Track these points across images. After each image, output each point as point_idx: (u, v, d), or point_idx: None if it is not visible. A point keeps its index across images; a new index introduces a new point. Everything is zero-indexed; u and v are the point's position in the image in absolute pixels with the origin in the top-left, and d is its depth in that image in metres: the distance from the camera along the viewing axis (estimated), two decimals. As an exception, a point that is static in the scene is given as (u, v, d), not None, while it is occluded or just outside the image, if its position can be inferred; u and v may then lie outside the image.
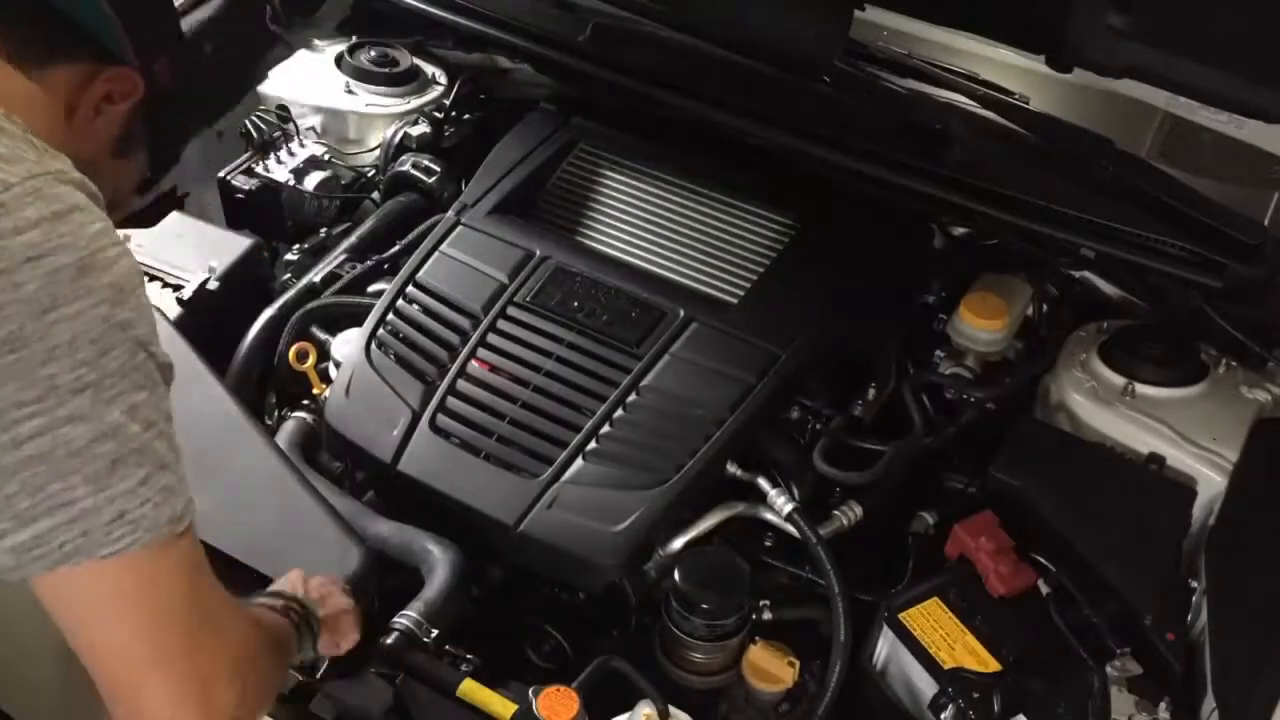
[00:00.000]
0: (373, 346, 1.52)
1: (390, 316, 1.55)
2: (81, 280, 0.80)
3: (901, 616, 1.28)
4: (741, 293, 1.59)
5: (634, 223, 1.70)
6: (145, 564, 0.83)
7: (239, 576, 1.23)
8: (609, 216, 1.71)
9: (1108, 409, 1.52)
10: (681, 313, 1.53)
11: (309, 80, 1.95)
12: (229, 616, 0.93)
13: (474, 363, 1.48)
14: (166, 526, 0.84)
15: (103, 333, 0.81)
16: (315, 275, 1.71)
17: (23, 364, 0.78)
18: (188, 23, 1.18)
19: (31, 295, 0.78)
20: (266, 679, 0.98)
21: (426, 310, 1.55)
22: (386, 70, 1.98)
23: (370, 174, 1.93)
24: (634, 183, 1.75)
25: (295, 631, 1.10)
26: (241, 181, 1.82)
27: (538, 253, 1.60)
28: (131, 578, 0.84)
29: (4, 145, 0.84)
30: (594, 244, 1.67)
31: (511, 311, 1.53)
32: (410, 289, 1.58)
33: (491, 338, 1.51)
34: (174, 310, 1.61)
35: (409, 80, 2.00)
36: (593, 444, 1.40)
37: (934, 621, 1.28)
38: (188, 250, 1.68)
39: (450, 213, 1.69)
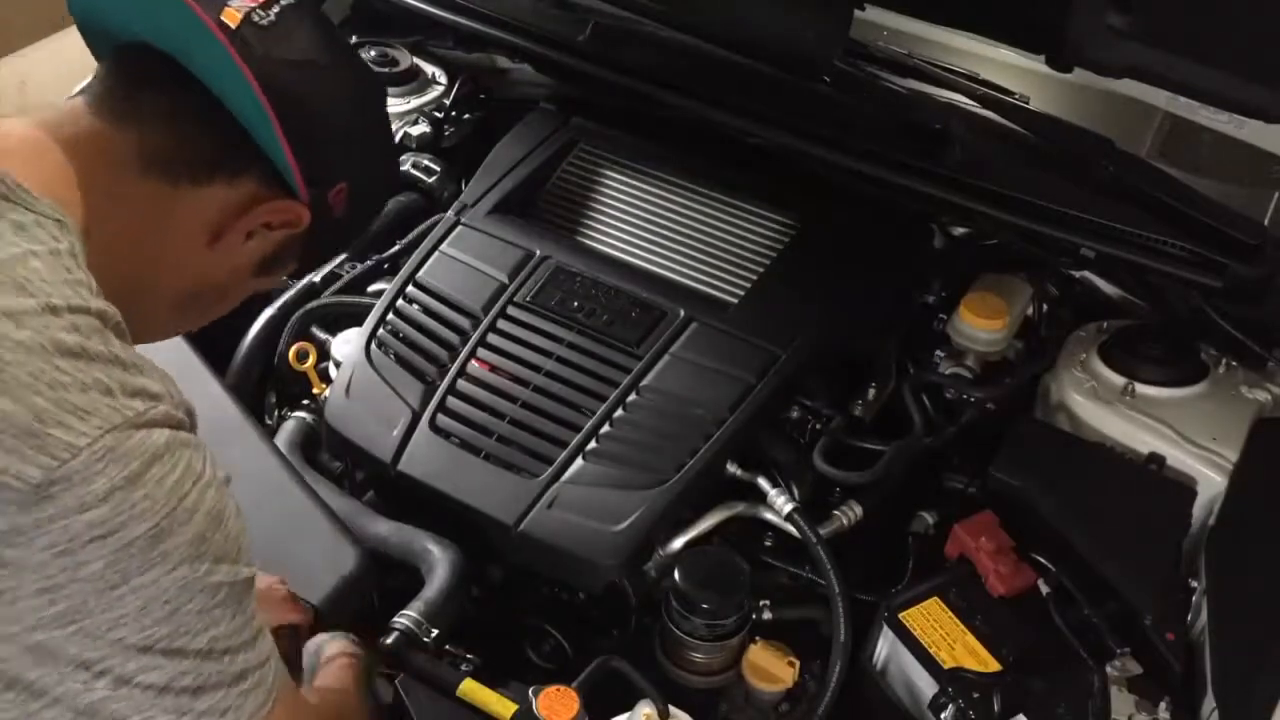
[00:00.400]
0: (373, 346, 1.52)
1: (390, 316, 1.55)
2: (156, 548, 0.75)
3: (901, 616, 1.28)
4: (741, 293, 1.59)
5: (634, 222, 1.70)
6: None
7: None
8: (609, 216, 1.71)
9: (1108, 409, 1.52)
10: (682, 312, 1.53)
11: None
12: None
13: (474, 363, 1.49)
14: (254, 716, 0.84)
15: (179, 591, 0.77)
16: (315, 275, 1.71)
17: (84, 633, 0.74)
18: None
19: (97, 574, 0.73)
20: None
21: (426, 310, 1.55)
22: (386, 70, 1.98)
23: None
24: (634, 183, 1.75)
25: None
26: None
27: (538, 253, 1.60)
28: None
29: (89, 375, 0.73)
30: (594, 244, 1.67)
31: (511, 311, 1.53)
32: (410, 289, 1.58)
33: (491, 338, 1.51)
34: (174, 310, 1.61)
35: (409, 80, 2.00)
36: (593, 444, 1.40)
37: (934, 621, 1.28)
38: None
39: (450, 212, 1.69)
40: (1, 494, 0.69)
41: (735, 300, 1.58)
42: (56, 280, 0.76)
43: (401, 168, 1.85)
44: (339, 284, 1.70)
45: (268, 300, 1.65)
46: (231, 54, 0.86)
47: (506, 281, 1.57)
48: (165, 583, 0.75)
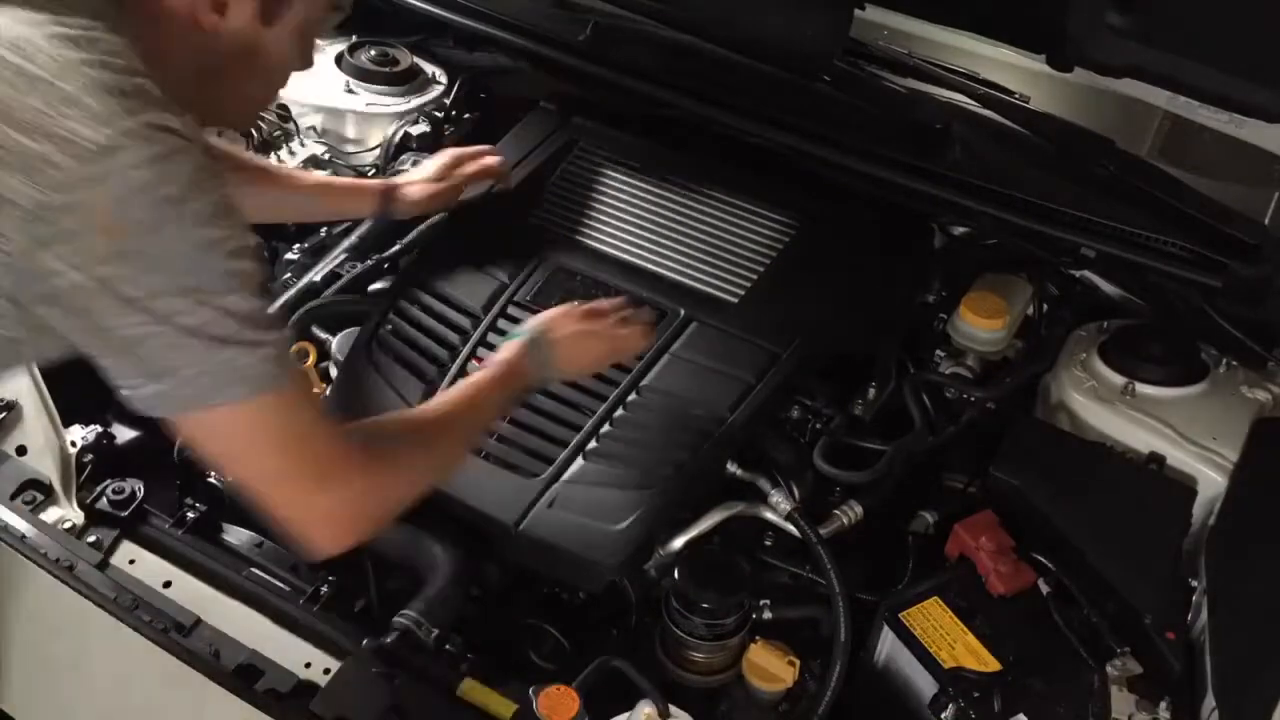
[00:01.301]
0: (373, 346, 1.52)
1: (390, 315, 1.55)
2: (185, 205, 0.93)
3: (902, 616, 1.28)
4: (741, 292, 1.59)
5: (633, 222, 1.70)
6: (252, 409, 0.99)
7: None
8: (609, 215, 1.71)
9: (1108, 408, 1.52)
10: (681, 312, 1.53)
11: (309, 79, 1.95)
12: (333, 443, 1.06)
13: (474, 362, 1.49)
14: (268, 382, 0.99)
15: (204, 247, 0.94)
16: (315, 275, 1.71)
17: (135, 273, 0.92)
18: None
19: (141, 219, 0.91)
20: (396, 486, 1.13)
21: (427, 309, 1.55)
22: (387, 69, 1.98)
23: (370, 173, 1.93)
24: (634, 182, 1.75)
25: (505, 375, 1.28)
26: (242, 181, 1.82)
27: (538, 251, 1.60)
28: (244, 419, 1.00)
29: (120, 96, 0.93)
30: (594, 243, 1.67)
31: (511, 310, 1.54)
32: (410, 288, 1.58)
33: (492, 337, 1.51)
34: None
35: (409, 79, 2.00)
36: (593, 443, 1.40)
37: (934, 621, 1.28)
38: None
39: (449, 212, 1.69)
40: (74, 148, 0.90)
41: (735, 300, 1.58)
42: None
43: (402, 167, 1.86)
44: (339, 284, 1.70)
45: (268, 300, 1.65)
46: None
47: (506, 281, 1.57)
48: (192, 236, 0.93)
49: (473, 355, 1.49)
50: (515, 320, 1.52)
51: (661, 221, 1.70)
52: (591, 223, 1.70)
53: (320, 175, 1.60)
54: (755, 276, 1.61)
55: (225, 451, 1.04)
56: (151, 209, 0.92)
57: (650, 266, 1.63)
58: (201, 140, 0.98)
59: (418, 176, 1.66)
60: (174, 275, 0.94)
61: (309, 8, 1.12)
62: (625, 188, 1.75)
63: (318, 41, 2.02)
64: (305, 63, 1.20)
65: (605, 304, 1.43)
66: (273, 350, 0.99)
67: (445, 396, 1.27)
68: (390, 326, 1.54)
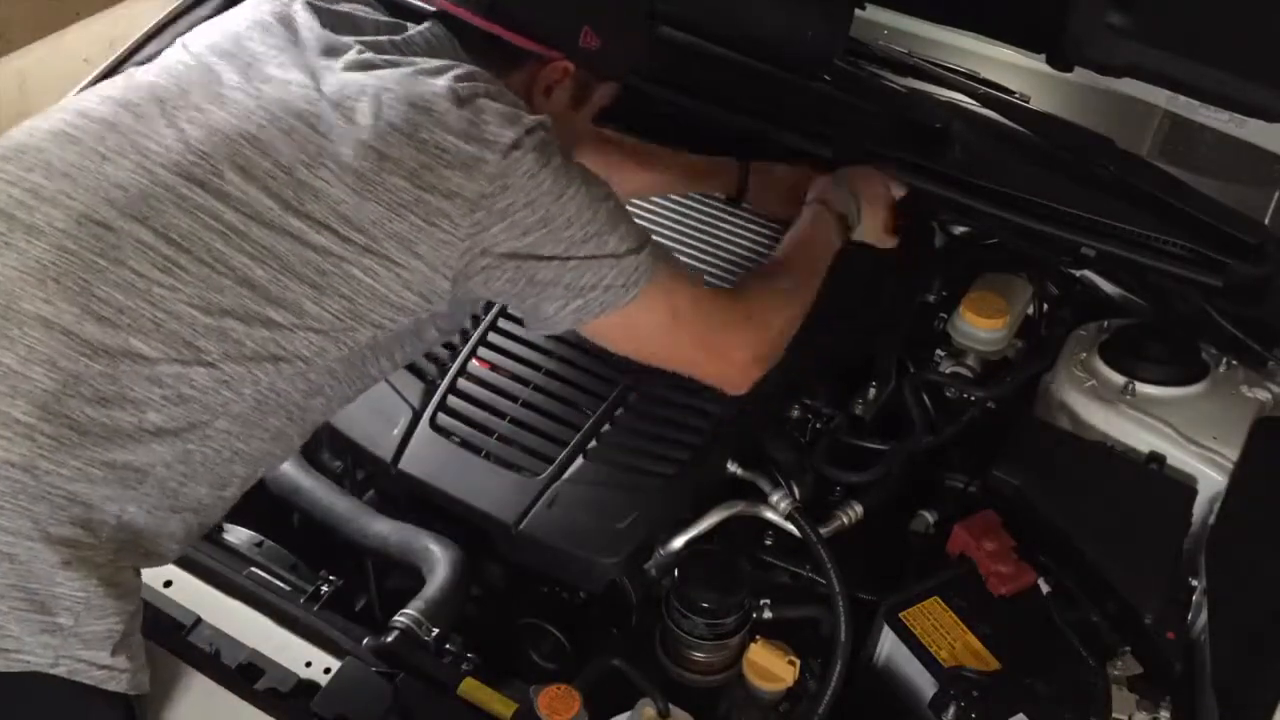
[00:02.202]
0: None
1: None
2: (570, 172, 1.18)
3: (902, 615, 1.28)
4: (742, 291, 1.58)
5: (632, 216, 1.69)
6: (653, 294, 1.23)
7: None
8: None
9: (1108, 408, 1.52)
10: (682, 310, 1.52)
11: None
12: (716, 304, 1.33)
13: (474, 361, 1.49)
14: (656, 270, 1.23)
15: (592, 198, 1.19)
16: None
17: (555, 230, 1.17)
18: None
19: (549, 188, 1.16)
20: (777, 328, 1.38)
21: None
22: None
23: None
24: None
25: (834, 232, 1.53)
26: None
27: None
28: (649, 305, 1.24)
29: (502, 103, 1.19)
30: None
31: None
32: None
33: (492, 335, 1.51)
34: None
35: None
36: (593, 443, 1.40)
37: (934, 620, 1.28)
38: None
39: None
40: (495, 146, 1.14)
41: (736, 299, 1.57)
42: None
43: None
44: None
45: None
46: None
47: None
48: (583, 191, 1.19)
49: (473, 353, 1.49)
50: (515, 318, 1.52)
51: (661, 218, 1.70)
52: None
53: (683, 156, 1.72)
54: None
55: (644, 335, 1.27)
56: (552, 179, 1.16)
57: (650, 265, 1.63)
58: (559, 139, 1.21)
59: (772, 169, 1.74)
60: (580, 225, 1.18)
61: (604, 95, 1.40)
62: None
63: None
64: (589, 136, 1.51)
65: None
66: (651, 249, 1.23)
67: (794, 242, 1.49)
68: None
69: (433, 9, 1.29)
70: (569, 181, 1.18)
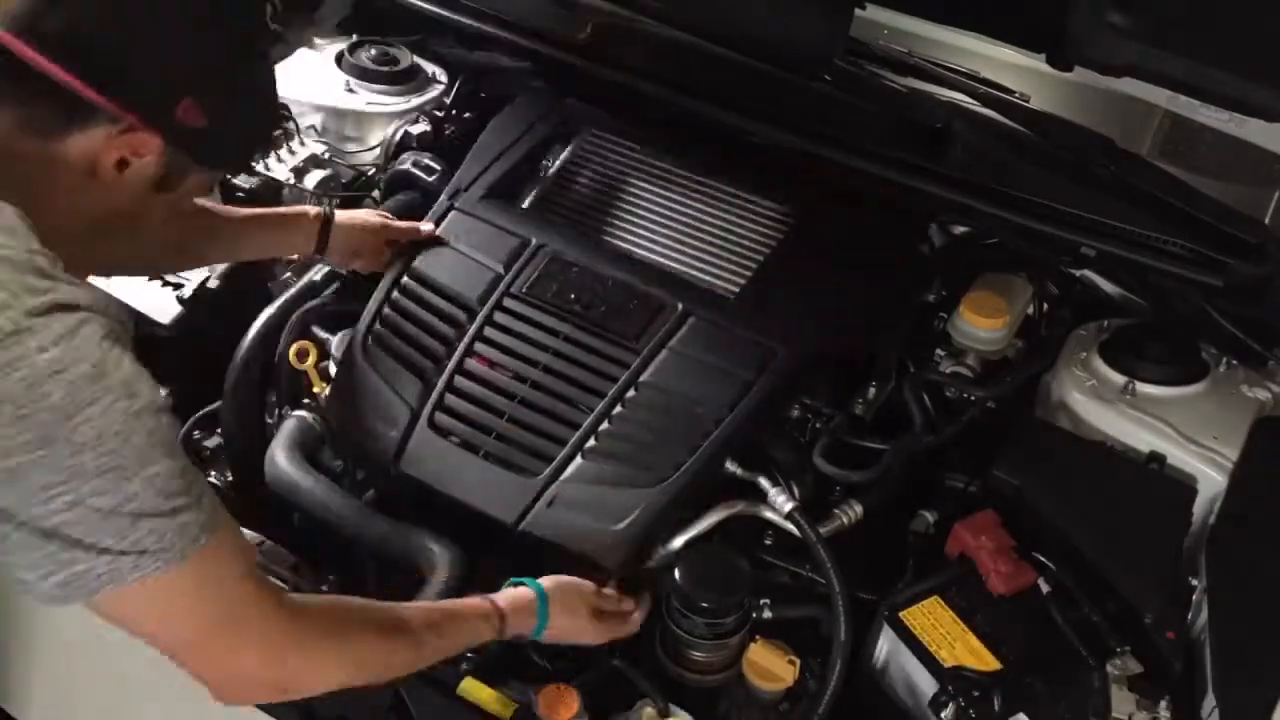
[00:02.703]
0: (369, 342, 1.51)
1: (386, 310, 1.54)
2: (99, 383, 0.92)
3: (902, 615, 1.28)
4: (738, 288, 1.58)
5: (631, 213, 1.69)
6: (173, 580, 0.96)
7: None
8: (607, 207, 1.70)
9: (1108, 408, 1.52)
10: (680, 306, 1.52)
11: (309, 79, 1.95)
12: (261, 607, 1.03)
13: (472, 359, 1.48)
14: (187, 549, 0.96)
15: (124, 423, 0.93)
16: (315, 274, 1.70)
17: (51, 459, 0.90)
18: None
19: (58, 404, 0.90)
20: (322, 657, 1.08)
21: (422, 302, 1.55)
22: (387, 69, 1.98)
23: (370, 172, 1.92)
24: (632, 174, 1.74)
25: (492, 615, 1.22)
26: (242, 180, 1.81)
27: (534, 241, 1.59)
28: (161, 592, 0.97)
29: (20, 273, 0.92)
30: (591, 233, 1.66)
31: (508, 303, 1.52)
32: (406, 280, 1.57)
33: (488, 331, 1.50)
34: (174, 309, 1.61)
35: (409, 79, 1.99)
36: (592, 441, 1.40)
37: (934, 620, 1.28)
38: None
39: (443, 197, 1.68)
40: None
41: (733, 293, 1.57)
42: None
43: (402, 166, 1.85)
44: (339, 283, 1.70)
45: (268, 300, 1.65)
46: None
47: (502, 272, 1.56)
48: (112, 413, 0.92)
49: (470, 350, 1.48)
50: (512, 313, 1.52)
51: (660, 212, 1.69)
52: (588, 211, 1.70)
53: (253, 210, 1.50)
54: (752, 272, 1.61)
55: (145, 623, 1.00)
56: (66, 391, 0.90)
57: (648, 257, 1.62)
58: (103, 305, 0.96)
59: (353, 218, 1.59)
60: (96, 456, 0.91)
61: (197, 184, 1.14)
62: (624, 180, 1.74)
63: (317, 40, 2.05)
64: (165, 226, 1.18)
65: (612, 596, 1.33)
66: (193, 513, 0.96)
67: (440, 608, 1.21)
68: (386, 321, 1.54)
69: None
70: (93, 397, 0.91)
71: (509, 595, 1.25)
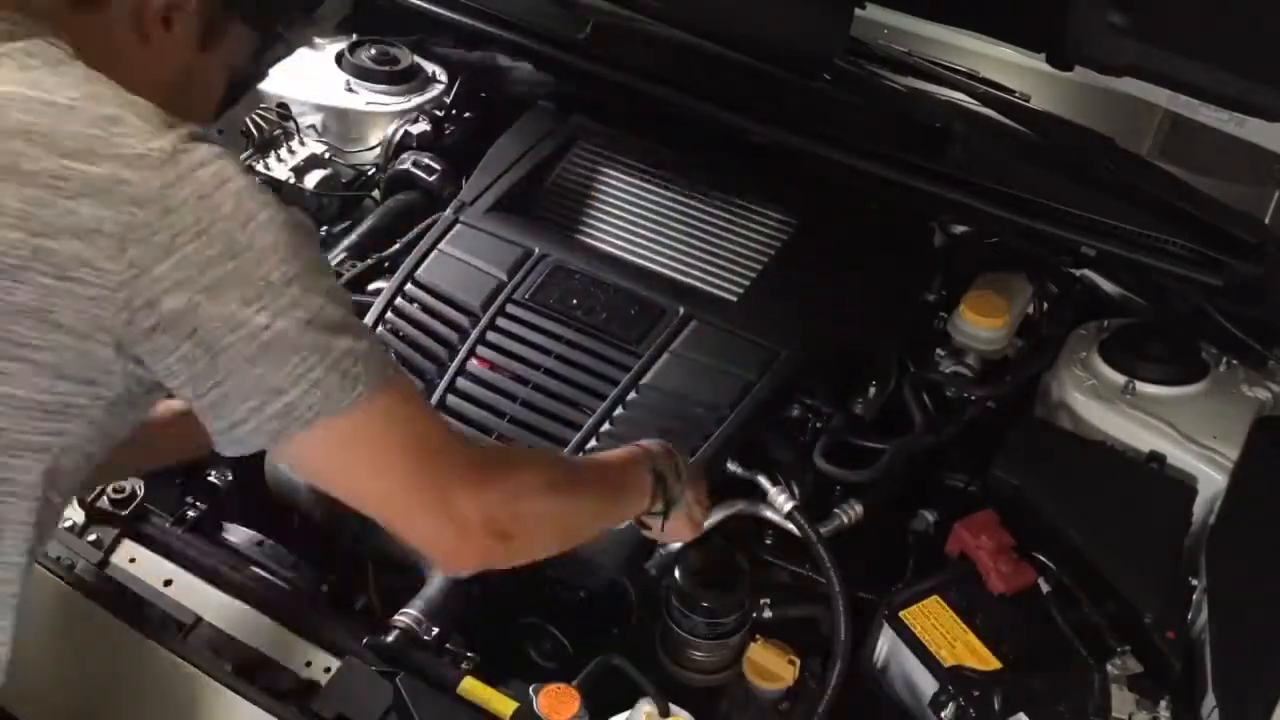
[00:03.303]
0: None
1: (389, 315, 1.55)
2: (259, 195, 0.92)
3: (902, 615, 1.28)
4: (741, 290, 1.59)
5: (633, 220, 1.70)
6: (377, 406, 0.94)
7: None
8: (608, 214, 1.71)
9: (1108, 407, 1.52)
10: (681, 310, 1.53)
11: (309, 78, 1.95)
12: (452, 439, 1.01)
13: (474, 361, 1.48)
14: (386, 374, 0.95)
15: (290, 234, 0.92)
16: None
17: (241, 269, 0.89)
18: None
19: (230, 213, 0.89)
20: (526, 494, 1.05)
21: (426, 308, 1.55)
22: (387, 68, 1.98)
23: (370, 172, 1.93)
24: (633, 180, 1.75)
25: (650, 479, 1.20)
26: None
27: (536, 250, 1.60)
28: (367, 423, 0.94)
29: (153, 112, 0.93)
30: (593, 241, 1.67)
31: (510, 309, 1.53)
32: (409, 287, 1.58)
33: (491, 335, 1.51)
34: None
35: (409, 78, 2.00)
36: (593, 442, 1.40)
37: (934, 620, 1.28)
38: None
39: (449, 210, 1.69)
40: (140, 160, 0.88)
41: (735, 298, 1.58)
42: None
43: (402, 166, 1.85)
44: (339, 282, 1.70)
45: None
46: None
47: (505, 279, 1.57)
48: (279, 221, 0.92)
49: (472, 353, 1.49)
50: (514, 318, 1.52)
51: (661, 220, 1.70)
52: (590, 220, 1.70)
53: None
54: (755, 275, 1.61)
55: (349, 466, 0.97)
56: (235, 201, 0.90)
57: (650, 265, 1.63)
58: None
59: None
60: (276, 264, 0.90)
61: (239, 41, 1.13)
62: (625, 186, 1.75)
63: (317, 40, 2.04)
64: (219, 103, 1.18)
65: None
66: (370, 339, 0.95)
67: (598, 456, 1.23)
68: (389, 325, 1.54)
69: None
70: (261, 205, 0.91)
71: (658, 448, 1.24)
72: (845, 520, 1.41)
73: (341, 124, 1.95)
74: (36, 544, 0.96)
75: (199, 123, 1.01)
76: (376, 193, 1.90)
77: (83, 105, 0.90)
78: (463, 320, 1.53)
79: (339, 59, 1.99)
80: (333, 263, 1.73)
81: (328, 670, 1.24)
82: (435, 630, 1.25)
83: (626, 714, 1.22)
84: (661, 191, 1.73)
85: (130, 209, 0.86)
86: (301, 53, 1.99)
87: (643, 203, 1.72)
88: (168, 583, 1.33)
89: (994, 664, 1.23)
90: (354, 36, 2.03)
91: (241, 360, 0.89)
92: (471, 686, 1.24)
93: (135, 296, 0.87)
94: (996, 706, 1.19)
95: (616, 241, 1.67)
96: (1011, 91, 1.80)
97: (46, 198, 0.86)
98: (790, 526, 1.38)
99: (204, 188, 0.89)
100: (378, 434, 0.95)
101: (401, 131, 1.92)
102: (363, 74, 1.97)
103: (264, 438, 0.93)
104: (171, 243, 0.87)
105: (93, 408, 0.92)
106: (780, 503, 1.37)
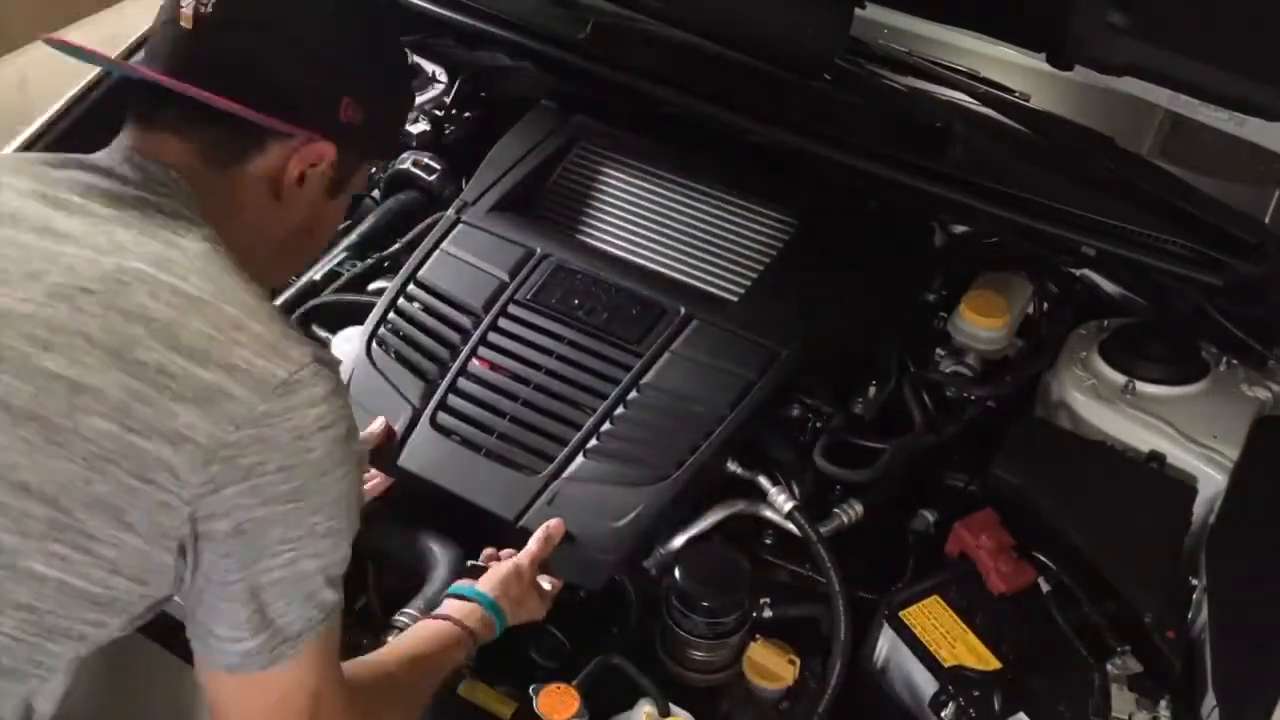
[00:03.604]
0: (374, 344, 1.52)
1: (391, 315, 1.55)
2: (348, 446, 0.93)
3: (902, 614, 1.28)
4: (742, 290, 1.59)
5: (634, 220, 1.70)
6: (306, 664, 0.96)
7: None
8: (609, 214, 1.71)
9: (1108, 407, 1.52)
10: (682, 310, 1.53)
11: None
12: (345, 703, 1.01)
13: (475, 361, 1.49)
14: (334, 626, 0.98)
15: (353, 491, 0.95)
16: (315, 273, 1.71)
17: (297, 513, 0.90)
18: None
19: (317, 460, 0.90)
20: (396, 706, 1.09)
21: (427, 308, 1.55)
22: (387, 68, 1.98)
23: (370, 172, 1.93)
24: (634, 181, 1.75)
25: (467, 640, 1.19)
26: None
27: (538, 250, 1.60)
28: (291, 678, 0.95)
29: (278, 321, 0.93)
30: (594, 242, 1.67)
31: (512, 309, 1.53)
32: (411, 287, 1.58)
33: (492, 336, 1.51)
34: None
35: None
36: (593, 441, 1.40)
37: (934, 619, 1.28)
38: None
39: (450, 211, 1.69)
40: (252, 379, 0.88)
41: (736, 298, 1.58)
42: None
43: (402, 166, 1.85)
44: (339, 282, 1.70)
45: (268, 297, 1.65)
46: (158, 78, 1.00)
47: (507, 280, 1.57)
48: (350, 478, 0.93)
49: (474, 353, 1.49)
50: (516, 318, 1.52)
51: (662, 220, 1.70)
52: (592, 221, 1.70)
53: None
54: (755, 275, 1.61)
55: (248, 712, 0.97)
56: (327, 449, 0.90)
57: (651, 265, 1.63)
58: (336, 363, 0.96)
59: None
60: (327, 518, 0.92)
61: (363, 176, 1.18)
62: (626, 186, 1.75)
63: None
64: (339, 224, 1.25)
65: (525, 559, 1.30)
66: (339, 604, 0.98)
67: (429, 647, 1.17)
68: (391, 325, 1.54)
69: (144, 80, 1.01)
70: (343, 459, 0.92)
71: (469, 613, 1.21)
72: (845, 520, 1.41)
73: (341, 124, 1.94)
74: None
75: (317, 251, 1.02)
76: (376, 193, 1.90)
77: (208, 299, 0.90)
78: (464, 320, 1.53)
79: (339, 59, 1.99)
80: (333, 263, 1.73)
81: (328, 670, 1.24)
82: (435, 630, 1.25)
83: (626, 714, 1.22)
84: (662, 192, 1.73)
85: (227, 426, 0.86)
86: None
87: (644, 203, 1.72)
88: (168, 582, 1.32)
89: (994, 664, 1.23)
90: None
91: (247, 593, 0.91)
92: (471, 686, 1.24)
93: (201, 509, 0.87)
94: (996, 706, 1.19)
95: (618, 241, 1.67)
96: (1011, 91, 1.80)
97: (151, 394, 0.86)
98: (790, 526, 1.38)
99: (304, 429, 0.89)
100: (290, 690, 0.95)
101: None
102: (363, 74, 1.97)
103: (225, 665, 0.94)
104: (252, 469, 0.87)
105: (137, 605, 0.93)
106: (780, 502, 1.37)
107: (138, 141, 1.02)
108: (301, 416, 0.89)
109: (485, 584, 1.25)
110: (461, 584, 1.26)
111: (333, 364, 0.94)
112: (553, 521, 1.32)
